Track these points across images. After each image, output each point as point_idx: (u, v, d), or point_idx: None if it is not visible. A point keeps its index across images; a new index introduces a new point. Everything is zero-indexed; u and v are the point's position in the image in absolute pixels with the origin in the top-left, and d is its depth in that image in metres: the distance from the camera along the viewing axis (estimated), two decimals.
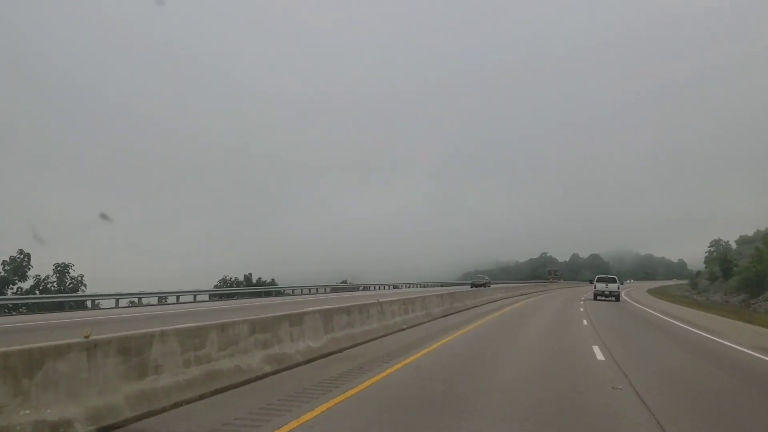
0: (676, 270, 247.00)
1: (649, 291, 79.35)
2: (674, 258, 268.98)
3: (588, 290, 52.46)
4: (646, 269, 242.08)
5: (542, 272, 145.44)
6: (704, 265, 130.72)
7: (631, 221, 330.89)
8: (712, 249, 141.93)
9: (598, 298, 42.63)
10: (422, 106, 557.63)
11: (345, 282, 75.12)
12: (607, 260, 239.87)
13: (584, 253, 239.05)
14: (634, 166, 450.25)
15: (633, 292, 69.47)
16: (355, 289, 58.59)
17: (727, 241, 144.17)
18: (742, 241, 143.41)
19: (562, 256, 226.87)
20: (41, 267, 42.78)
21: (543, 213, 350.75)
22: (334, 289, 54.96)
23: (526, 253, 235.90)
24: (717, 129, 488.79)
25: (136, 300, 31.68)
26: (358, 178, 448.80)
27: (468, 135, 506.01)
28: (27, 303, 31.30)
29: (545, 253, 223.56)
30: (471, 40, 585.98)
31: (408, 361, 11.07)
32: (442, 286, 68.17)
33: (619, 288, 43.70)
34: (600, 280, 44.05)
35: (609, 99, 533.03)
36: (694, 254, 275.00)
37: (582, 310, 31.45)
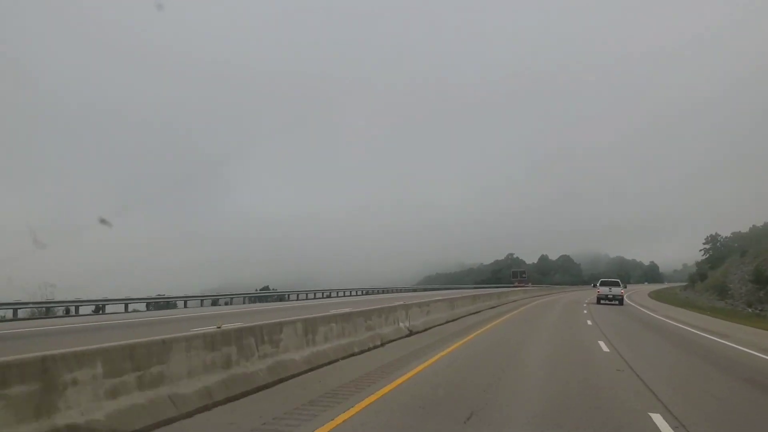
0: (648, 273, 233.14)
1: (664, 301, 51.56)
2: (645, 261, 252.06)
3: (565, 298, 44.47)
4: (619, 272, 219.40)
5: (507, 275, 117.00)
6: (706, 264, 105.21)
7: (599, 223, 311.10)
8: (708, 246, 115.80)
9: (602, 301, 39.52)
10: (385, 93, 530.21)
11: (266, 288, 60.75)
12: (578, 262, 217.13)
13: (553, 255, 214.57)
14: (607, 167, 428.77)
15: (654, 305, 41.12)
16: (282, 297, 44.86)
17: (725, 237, 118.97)
18: (736, 237, 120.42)
19: (530, 257, 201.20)
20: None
21: (510, 214, 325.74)
22: (258, 299, 42.74)
23: (491, 255, 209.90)
24: (692, 135, 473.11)
25: None
26: (305, 172, 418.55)
27: (432, 129, 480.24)
28: None
29: (512, 254, 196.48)
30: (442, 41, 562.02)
31: None
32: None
33: (621, 292, 40.85)
34: (603, 284, 41.49)
35: (588, 102, 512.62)
36: (666, 257, 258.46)
37: None
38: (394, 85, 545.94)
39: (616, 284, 40.77)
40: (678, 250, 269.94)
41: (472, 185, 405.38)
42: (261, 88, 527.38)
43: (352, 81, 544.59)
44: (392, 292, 58.17)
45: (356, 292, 53.92)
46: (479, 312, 24.44)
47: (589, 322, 21.19)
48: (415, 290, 63.59)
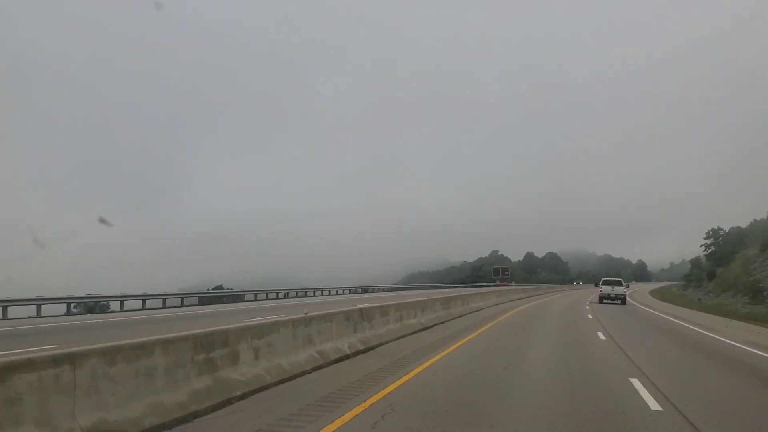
0: (636, 271, 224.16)
1: (683, 305, 38.59)
2: (633, 259, 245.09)
3: (556, 302, 35.78)
4: (608, 270, 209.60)
5: (488, 272, 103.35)
6: (707, 261, 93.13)
7: (587, 221, 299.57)
8: (709, 241, 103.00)
9: (604, 301, 37.83)
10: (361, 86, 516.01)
11: (220, 287, 54.34)
12: (566, 260, 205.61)
13: (539, 253, 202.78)
14: (596, 167, 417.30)
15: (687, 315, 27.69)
16: (239, 299, 36.77)
17: (726, 230, 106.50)
18: (736, 233, 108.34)
19: (516, 255, 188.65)
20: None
21: (497, 212, 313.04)
22: (210, 300, 35.06)
23: (476, 253, 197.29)
24: (670, 134, 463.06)
25: None
26: (287, 169, 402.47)
27: (419, 128, 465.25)
28: None
29: (496, 252, 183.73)
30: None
31: None
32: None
33: (624, 291, 39.34)
34: (606, 283, 39.85)
35: (563, 100, 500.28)
36: (652, 255, 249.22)
37: None
38: (384, 84, 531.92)
39: (619, 283, 39.83)
40: (665, 249, 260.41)
41: (459, 184, 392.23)
42: (237, 76, 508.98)
43: (339, 77, 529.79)
44: (356, 292, 46.64)
45: (283, 293, 42.03)
46: (385, 344, 10.58)
47: (639, 387, 7.50)
48: (366, 290, 49.93)
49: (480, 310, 23.40)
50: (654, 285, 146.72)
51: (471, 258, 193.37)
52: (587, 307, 29.75)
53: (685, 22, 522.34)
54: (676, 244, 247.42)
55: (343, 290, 47.37)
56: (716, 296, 58.81)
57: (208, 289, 53.33)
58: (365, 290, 49.90)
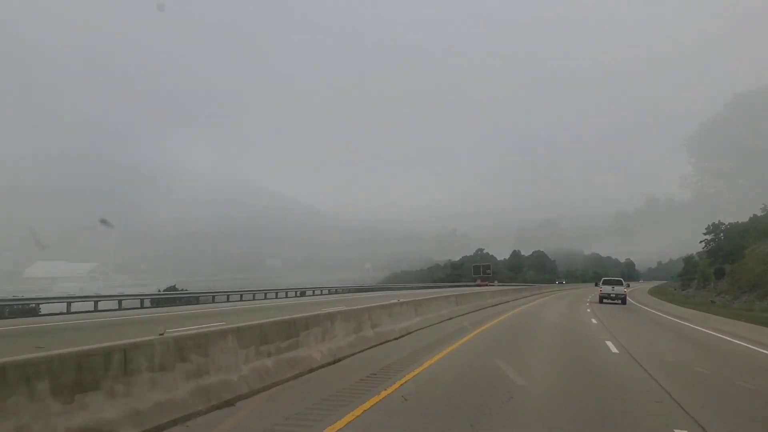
0: (625, 271, 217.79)
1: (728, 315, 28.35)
2: (621, 258, 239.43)
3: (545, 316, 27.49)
4: (596, 269, 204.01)
5: (468, 270, 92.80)
6: (704, 257, 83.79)
7: (574, 220, 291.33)
8: (710, 237, 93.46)
9: (604, 300, 37.53)
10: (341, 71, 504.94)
11: (173, 288, 50.38)
12: (554, 258, 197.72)
13: (527, 251, 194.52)
14: (585, 165, 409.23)
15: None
16: (193, 300, 33.02)
17: (727, 225, 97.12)
18: (737, 227, 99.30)
19: (503, 253, 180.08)
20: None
21: (483, 210, 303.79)
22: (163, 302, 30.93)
23: (462, 252, 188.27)
24: (659, 134, 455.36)
25: None
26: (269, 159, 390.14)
27: (404, 123, 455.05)
28: None
29: (481, 250, 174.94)
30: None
31: None
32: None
33: (624, 291, 38.87)
34: (606, 282, 39.63)
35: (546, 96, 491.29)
36: (639, 255, 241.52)
37: None
38: (370, 78, 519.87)
39: (619, 283, 39.60)
40: (653, 248, 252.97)
41: (449, 182, 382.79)
42: (206, 65, 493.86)
43: (328, 72, 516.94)
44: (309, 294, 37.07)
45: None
46: None
47: None
48: (303, 293, 39.03)
49: (400, 336, 12.30)
50: (645, 284, 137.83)
51: (457, 257, 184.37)
52: (594, 321, 19.07)
53: (685, 22, 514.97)
54: (664, 243, 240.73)
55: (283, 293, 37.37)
56: (734, 298, 48.68)
57: (159, 290, 48.74)
58: (302, 293, 39.03)
